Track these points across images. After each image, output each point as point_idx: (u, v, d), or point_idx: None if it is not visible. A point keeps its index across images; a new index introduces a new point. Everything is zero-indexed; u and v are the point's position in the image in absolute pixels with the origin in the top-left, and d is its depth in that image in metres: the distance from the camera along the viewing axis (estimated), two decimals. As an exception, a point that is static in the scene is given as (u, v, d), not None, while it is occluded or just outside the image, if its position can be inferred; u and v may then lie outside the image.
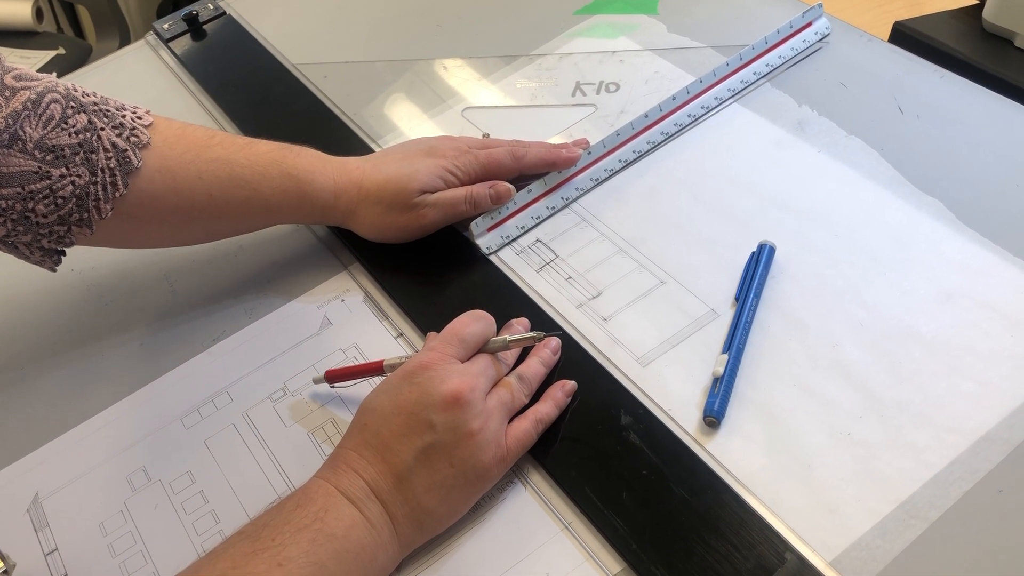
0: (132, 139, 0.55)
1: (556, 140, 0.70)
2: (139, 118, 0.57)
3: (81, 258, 0.68)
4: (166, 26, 0.90)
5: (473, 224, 0.63)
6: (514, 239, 0.64)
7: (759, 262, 0.57)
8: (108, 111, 0.55)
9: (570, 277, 0.61)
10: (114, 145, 0.54)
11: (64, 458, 0.57)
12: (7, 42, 1.74)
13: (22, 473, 0.57)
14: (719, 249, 0.60)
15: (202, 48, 0.88)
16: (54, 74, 0.55)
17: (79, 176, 0.53)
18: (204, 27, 0.90)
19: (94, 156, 0.53)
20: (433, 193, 0.61)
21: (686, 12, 0.80)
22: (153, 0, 2.16)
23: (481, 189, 0.63)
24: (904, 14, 1.01)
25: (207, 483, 0.54)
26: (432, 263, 0.63)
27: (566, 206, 0.66)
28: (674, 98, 0.69)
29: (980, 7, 0.92)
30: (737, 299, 0.56)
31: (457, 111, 0.76)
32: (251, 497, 0.53)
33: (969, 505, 0.46)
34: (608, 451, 0.51)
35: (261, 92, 0.81)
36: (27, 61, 1.72)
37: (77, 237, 0.56)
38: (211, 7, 0.91)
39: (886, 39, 0.96)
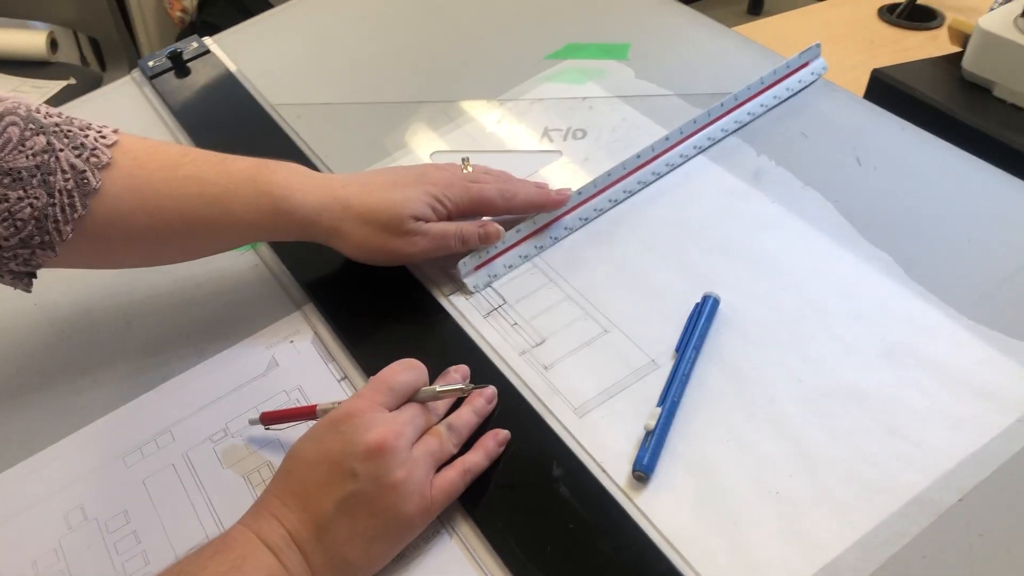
0: (92, 159, 0.55)
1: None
2: (103, 137, 0.56)
3: (44, 292, 0.69)
4: (151, 63, 0.92)
5: (460, 263, 0.63)
6: (500, 278, 0.64)
7: (701, 314, 0.57)
8: (70, 131, 0.55)
9: (516, 323, 0.61)
10: (72, 166, 0.54)
11: (5, 494, 0.57)
12: (22, 72, 1.77)
13: (-35, 508, 0.57)
14: (666, 298, 0.60)
15: (184, 86, 0.89)
16: (13, 94, 0.56)
17: (36, 198, 0.53)
18: (187, 64, 0.91)
19: (51, 178, 0.54)
20: (426, 222, 0.61)
21: (655, 59, 0.81)
22: (171, 31, 2.21)
23: (471, 228, 0.63)
24: (891, 59, 1.01)
25: (141, 523, 0.54)
26: (385, 306, 0.63)
27: (554, 244, 0.66)
28: (667, 138, 0.69)
29: (961, 55, 0.91)
30: (677, 351, 0.56)
31: (425, 154, 0.76)
32: (182, 540, 0.53)
33: (892, 570, 0.45)
34: (537, 504, 0.50)
35: (235, 130, 0.82)
36: (39, 91, 1.76)
37: (42, 259, 0.56)
38: (195, 45, 0.93)
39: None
